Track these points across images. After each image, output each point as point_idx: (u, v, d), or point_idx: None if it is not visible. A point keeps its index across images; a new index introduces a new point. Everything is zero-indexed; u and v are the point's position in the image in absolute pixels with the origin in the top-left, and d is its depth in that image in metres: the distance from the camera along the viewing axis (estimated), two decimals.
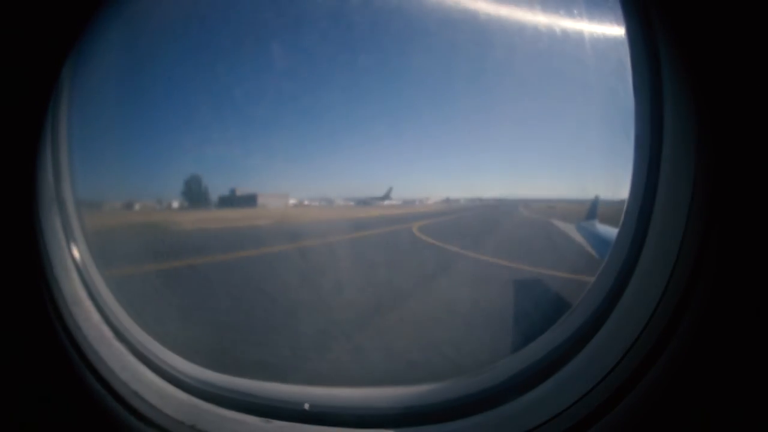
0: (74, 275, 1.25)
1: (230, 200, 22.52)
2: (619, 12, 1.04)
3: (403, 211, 27.18)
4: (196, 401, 1.20)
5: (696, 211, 0.88)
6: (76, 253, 1.27)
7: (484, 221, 17.76)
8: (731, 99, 0.80)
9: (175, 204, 22.11)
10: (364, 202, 28.89)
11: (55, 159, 1.26)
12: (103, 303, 1.29)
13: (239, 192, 23.27)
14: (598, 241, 4.07)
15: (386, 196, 28.45)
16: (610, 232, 3.84)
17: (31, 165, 1.09)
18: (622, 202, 1.14)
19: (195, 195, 20.30)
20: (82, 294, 1.25)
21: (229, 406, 1.19)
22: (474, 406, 1.12)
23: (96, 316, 1.25)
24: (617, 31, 1.13)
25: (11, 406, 1.08)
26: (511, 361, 1.23)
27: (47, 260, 1.16)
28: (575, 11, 1.51)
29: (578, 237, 5.92)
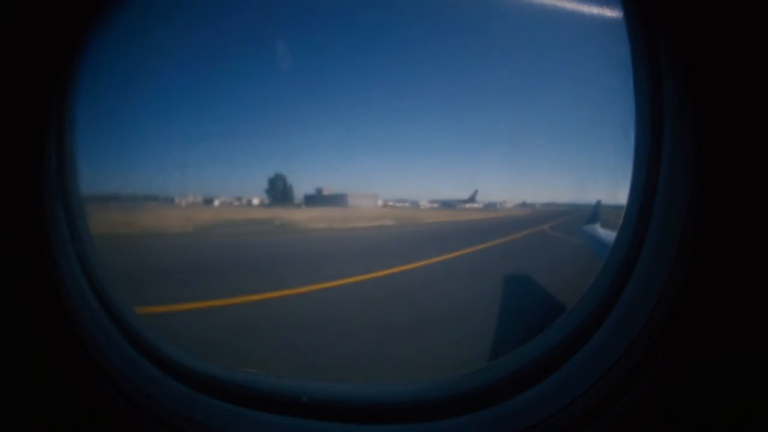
0: (76, 266, 1.25)
1: (317, 199, 21.87)
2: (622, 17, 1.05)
3: (497, 214, 25.56)
4: (194, 393, 1.19)
5: (694, 213, 0.89)
6: (80, 246, 1.28)
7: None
8: (729, 103, 0.80)
9: (255, 201, 21.85)
10: (448, 205, 27.63)
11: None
12: (103, 292, 1.28)
13: (326, 191, 22.41)
14: (599, 244, 4.17)
15: (471, 199, 27.07)
16: (610, 235, 4.06)
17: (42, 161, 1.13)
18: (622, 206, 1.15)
19: (280, 193, 20.63)
20: (83, 284, 1.25)
21: (227, 398, 1.17)
22: (473, 403, 1.09)
23: (96, 306, 1.25)
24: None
25: (13, 392, 1.09)
26: (508, 359, 1.23)
27: (51, 250, 1.18)
28: None
29: None
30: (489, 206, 28.31)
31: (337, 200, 22.03)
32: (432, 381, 1.28)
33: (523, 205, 28.25)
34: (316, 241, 13.09)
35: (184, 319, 4.21)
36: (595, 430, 0.95)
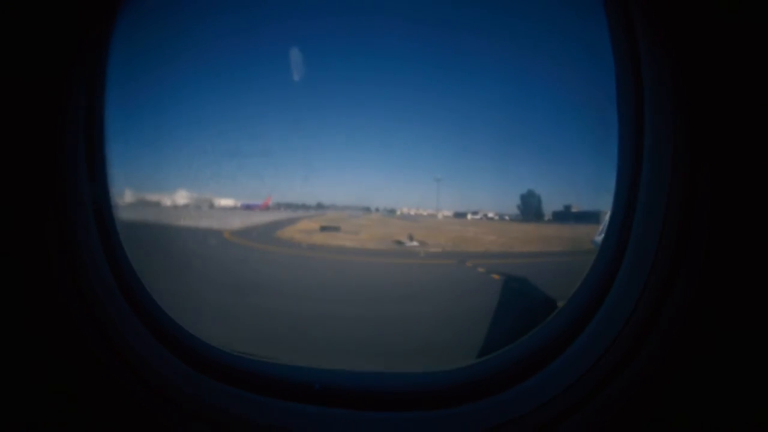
0: (99, 250, 1.26)
1: (566, 216, 21.62)
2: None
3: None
4: (212, 381, 1.22)
5: (670, 220, 0.95)
6: (111, 241, 1.30)
7: None
8: (712, 107, 0.86)
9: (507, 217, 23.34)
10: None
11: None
12: (123, 278, 1.31)
13: (575, 208, 21.79)
14: None
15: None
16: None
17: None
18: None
19: (531, 209, 21.33)
20: (103, 266, 1.27)
21: (244, 386, 1.21)
22: (474, 393, 1.15)
23: (117, 291, 1.27)
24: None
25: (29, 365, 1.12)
26: (502, 353, 1.27)
27: (76, 243, 1.19)
28: None
29: None
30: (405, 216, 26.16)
31: (588, 218, 21.52)
32: (435, 372, 1.33)
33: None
34: None
35: None
36: (583, 416, 1.01)
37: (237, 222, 18.22)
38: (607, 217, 1.24)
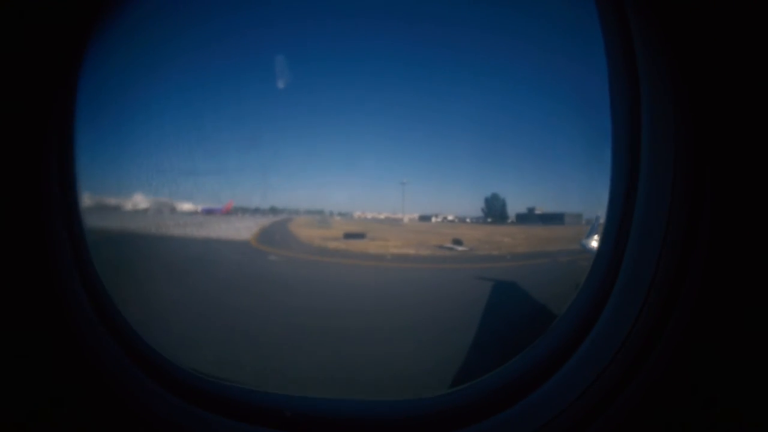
0: (75, 274, 1.24)
1: (530, 218, 21.62)
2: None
3: None
4: (184, 404, 1.21)
5: (673, 225, 0.92)
6: (82, 255, 1.28)
7: None
8: (711, 107, 0.84)
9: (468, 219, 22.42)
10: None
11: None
12: (103, 307, 1.29)
13: (539, 210, 21.80)
14: None
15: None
16: None
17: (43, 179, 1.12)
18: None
19: (496, 211, 21.33)
20: (83, 295, 1.24)
21: (214, 410, 1.19)
22: (465, 417, 1.11)
23: (96, 319, 1.25)
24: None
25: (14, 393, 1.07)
26: (500, 372, 1.23)
27: (53, 261, 1.18)
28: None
29: None
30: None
31: (552, 219, 20.08)
32: (422, 397, 1.26)
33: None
34: None
35: None
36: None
37: (230, 230, 16.80)
38: (599, 220, 1.13)
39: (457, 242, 14.41)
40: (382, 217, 25.79)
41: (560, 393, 1.06)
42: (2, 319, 1.06)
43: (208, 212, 23.00)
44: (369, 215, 26.71)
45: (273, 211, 26.83)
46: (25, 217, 1.10)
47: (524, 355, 1.23)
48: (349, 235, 16.71)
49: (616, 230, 1.10)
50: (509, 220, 21.63)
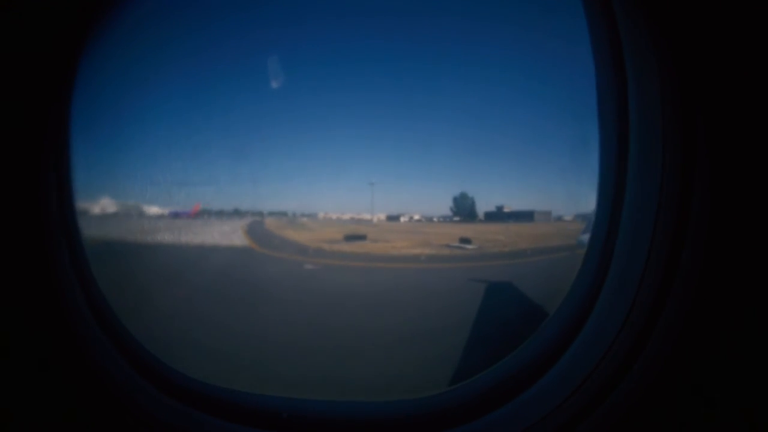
0: (73, 277, 1.26)
1: (499, 216, 21.25)
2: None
3: None
4: (182, 406, 1.22)
5: (662, 222, 0.92)
6: (79, 259, 1.29)
7: None
8: (701, 106, 0.84)
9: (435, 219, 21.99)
10: None
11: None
12: (101, 311, 1.31)
13: (507, 208, 21.45)
14: None
15: None
16: None
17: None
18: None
19: (465, 210, 20.87)
20: (82, 301, 1.25)
21: (212, 412, 1.20)
22: (457, 417, 1.12)
23: (94, 323, 1.26)
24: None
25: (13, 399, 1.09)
26: (492, 371, 1.24)
27: (53, 265, 1.19)
28: None
29: None
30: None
31: (522, 217, 20.33)
32: (416, 397, 1.26)
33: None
34: None
35: None
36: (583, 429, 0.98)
37: (215, 234, 16.26)
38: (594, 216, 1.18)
39: (466, 241, 14.50)
40: (346, 218, 25.19)
41: (552, 391, 1.07)
42: (2, 321, 1.08)
43: (175, 215, 21.13)
44: (334, 216, 25.96)
45: (237, 213, 25.09)
46: (24, 221, 1.12)
47: (516, 354, 1.24)
48: (350, 237, 16.30)
49: (605, 229, 1.11)
50: (478, 219, 21.88)
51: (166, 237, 13.69)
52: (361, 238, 16.44)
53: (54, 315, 1.16)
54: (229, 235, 16.48)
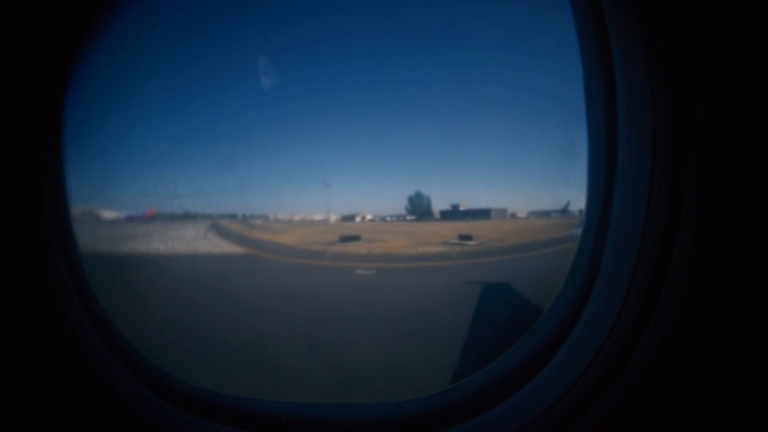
0: (70, 286, 1.26)
1: (455, 214, 20.61)
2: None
3: None
4: (178, 411, 1.23)
5: (652, 221, 0.92)
6: (75, 266, 1.29)
7: None
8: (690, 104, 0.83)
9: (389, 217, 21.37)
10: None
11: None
12: (96, 315, 1.31)
13: (462, 207, 20.72)
14: None
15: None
16: None
17: None
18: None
19: (420, 209, 20.00)
20: (78, 306, 1.26)
21: (209, 417, 1.21)
22: (451, 417, 1.13)
23: (90, 327, 1.27)
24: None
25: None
26: (485, 372, 1.25)
27: (50, 267, 1.20)
28: None
29: None
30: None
31: (480, 215, 19.54)
32: (410, 399, 1.27)
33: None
34: None
35: None
36: (577, 429, 0.99)
37: (198, 240, 15.16)
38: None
39: (466, 237, 14.55)
40: (296, 219, 24.57)
41: (546, 390, 1.08)
42: (2, 323, 1.09)
43: (131, 219, 18.73)
44: (285, 217, 25.09)
45: (188, 217, 22.76)
46: (21, 227, 1.13)
47: (509, 353, 1.25)
48: (345, 238, 15.96)
49: (595, 228, 1.12)
50: (434, 217, 21.58)
51: (152, 245, 11.76)
52: (356, 238, 16.12)
53: (51, 320, 1.16)
54: (216, 241, 15.28)
